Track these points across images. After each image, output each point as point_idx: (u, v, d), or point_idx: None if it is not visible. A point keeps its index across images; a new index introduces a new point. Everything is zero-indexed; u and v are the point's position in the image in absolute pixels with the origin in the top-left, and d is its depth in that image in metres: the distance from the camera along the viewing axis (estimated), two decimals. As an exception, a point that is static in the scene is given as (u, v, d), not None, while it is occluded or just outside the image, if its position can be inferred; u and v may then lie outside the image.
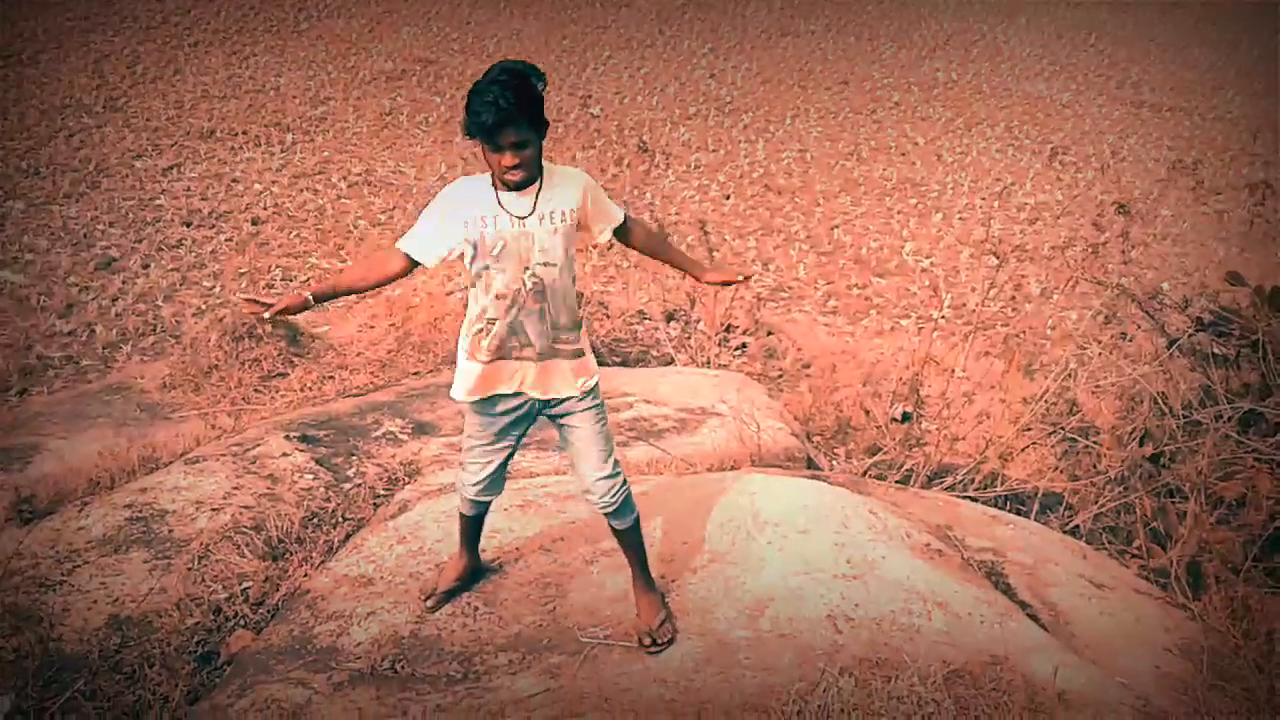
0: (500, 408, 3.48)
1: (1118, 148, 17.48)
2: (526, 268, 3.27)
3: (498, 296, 3.30)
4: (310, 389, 6.75)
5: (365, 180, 13.78)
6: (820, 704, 3.24)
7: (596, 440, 3.47)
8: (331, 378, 6.93)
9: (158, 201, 12.52)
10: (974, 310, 9.56)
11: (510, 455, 3.64)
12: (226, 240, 11.51)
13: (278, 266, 10.89)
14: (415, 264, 3.34)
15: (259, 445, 5.35)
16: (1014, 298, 10.55)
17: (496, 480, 3.66)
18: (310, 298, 3.33)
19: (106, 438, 5.79)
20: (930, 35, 25.48)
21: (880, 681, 3.33)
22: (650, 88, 19.31)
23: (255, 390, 6.70)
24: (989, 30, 26.52)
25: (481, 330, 3.35)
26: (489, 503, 3.77)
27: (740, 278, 3.67)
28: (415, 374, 7.05)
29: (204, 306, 9.69)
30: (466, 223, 3.24)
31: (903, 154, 16.64)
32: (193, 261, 10.87)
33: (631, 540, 3.65)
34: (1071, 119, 19.25)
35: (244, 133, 15.19)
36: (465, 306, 3.44)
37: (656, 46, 22.47)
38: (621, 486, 3.51)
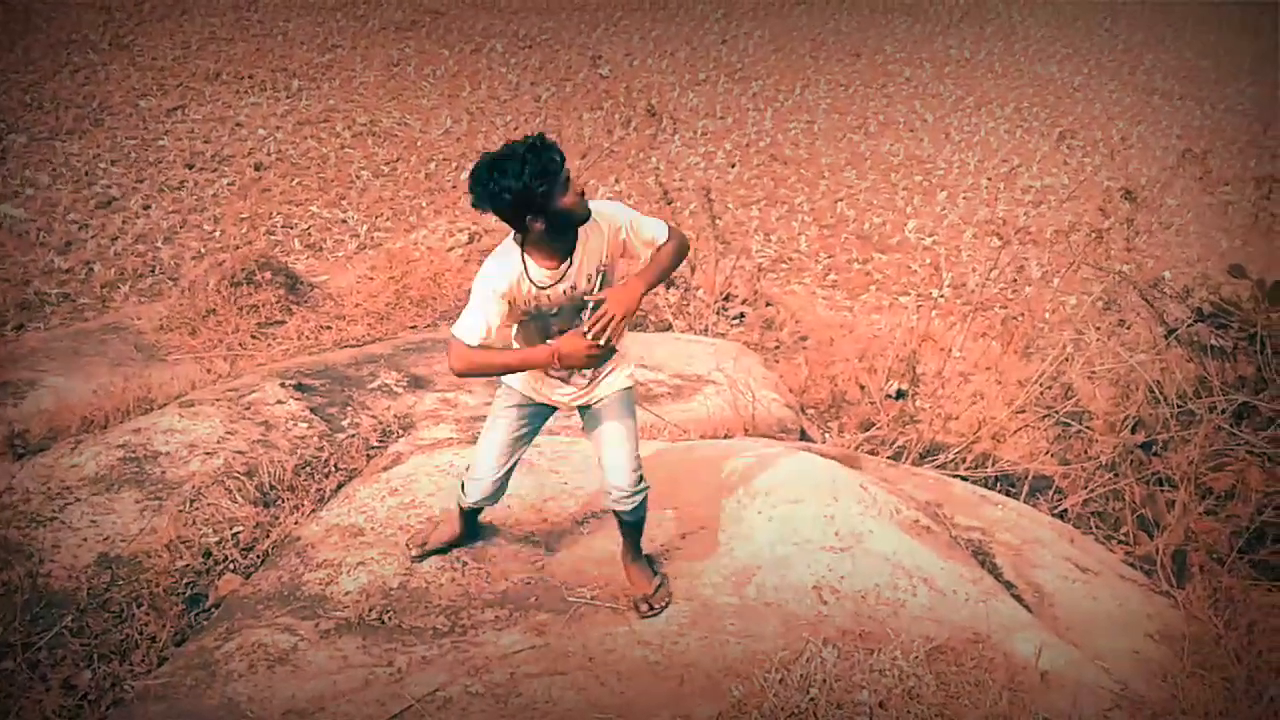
0: (535, 411, 3.57)
1: (1127, 134, 17.40)
2: (578, 311, 3.30)
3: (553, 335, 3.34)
4: (307, 338, 6.75)
5: (370, 130, 13.69)
6: (803, 673, 3.27)
7: (628, 432, 3.49)
8: (329, 328, 6.92)
9: (160, 142, 12.44)
10: (974, 291, 9.54)
11: (518, 459, 3.70)
12: (228, 184, 11.45)
13: (279, 213, 10.84)
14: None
15: (254, 391, 5.35)
16: (1015, 280, 10.54)
17: (503, 486, 3.71)
18: None
19: (102, 376, 5.79)
20: (944, 11, 25.28)
21: (863, 654, 3.36)
22: (660, 51, 19.16)
23: (252, 336, 6.69)
24: (1004, 9, 26.32)
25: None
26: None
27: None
28: (412, 328, 7.04)
29: (203, 250, 9.66)
30: (511, 302, 3.23)
31: (911, 130, 16.56)
32: (193, 204, 10.82)
33: (634, 529, 3.68)
34: (1082, 103, 19.14)
35: (250, 76, 15.07)
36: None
37: (669, 9, 22.28)
38: (641, 484, 3.52)
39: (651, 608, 3.64)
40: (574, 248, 3.19)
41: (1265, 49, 23.73)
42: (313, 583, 3.84)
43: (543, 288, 3.21)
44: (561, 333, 3.28)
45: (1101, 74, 21.40)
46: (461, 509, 3.88)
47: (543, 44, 18.65)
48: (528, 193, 2.98)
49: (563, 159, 3.03)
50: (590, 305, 3.24)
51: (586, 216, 3.15)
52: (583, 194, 3.12)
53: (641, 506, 3.56)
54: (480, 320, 3.20)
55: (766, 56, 19.78)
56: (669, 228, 3.32)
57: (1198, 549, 4.65)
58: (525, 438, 3.63)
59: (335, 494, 4.53)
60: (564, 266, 3.20)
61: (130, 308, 7.83)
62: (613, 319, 3.15)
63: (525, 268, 3.19)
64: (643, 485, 3.52)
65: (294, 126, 13.51)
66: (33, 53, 14.76)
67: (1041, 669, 3.41)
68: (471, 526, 3.99)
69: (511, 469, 3.68)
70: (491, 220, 8.14)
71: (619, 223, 3.25)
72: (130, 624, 3.71)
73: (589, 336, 3.17)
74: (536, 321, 3.31)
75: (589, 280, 3.26)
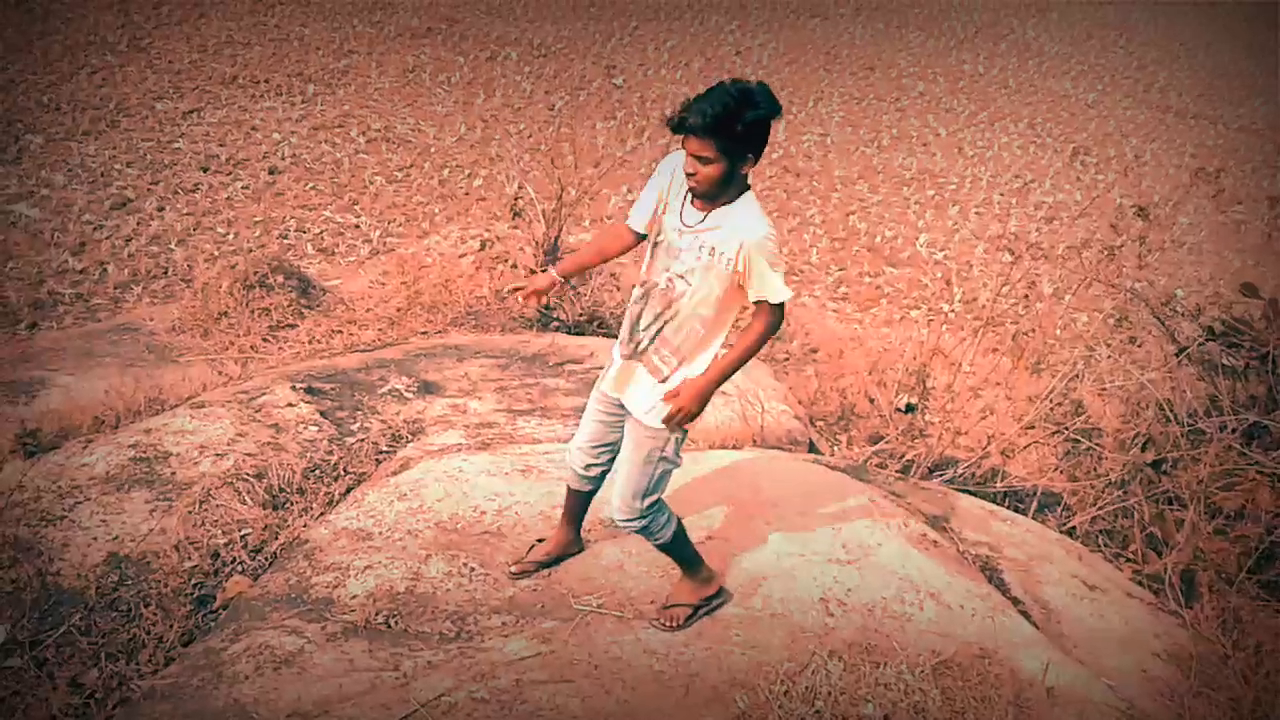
0: (608, 402, 3.48)
1: (1140, 151, 17.39)
2: (668, 269, 3.25)
3: (641, 282, 3.32)
4: (318, 341, 6.77)
5: (384, 136, 13.74)
6: (808, 685, 3.27)
7: (633, 467, 3.36)
8: (340, 331, 6.94)
9: (176, 145, 12.50)
10: (985, 306, 9.53)
11: (611, 451, 3.58)
12: (243, 188, 11.49)
13: (292, 217, 10.88)
14: (640, 234, 3.37)
15: (265, 394, 5.37)
16: (1026, 296, 10.52)
17: (595, 472, 3.63)
18: (559, 278, 3.39)
19: (113, 377, 5.81)
20: (960, 26, 25.31)
21: (869, 667, 3.36)
22: (675, 61, 19.20)
23: (264, 339, 6.71)
24: (1019, 25, 26.34)
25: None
26: (595, 487, 3.73)
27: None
28: (423, 333, 7.05)
29: (217, 253, 9.69)
30: (660, 192, 3.26)
31: (924, 144, 16.56)
32: (208, 207, 10.86)
33: (662, 549, 3.61)
34: (1095, 119, 19.12)
35: (266, 81, 15.14)
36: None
37: (684, 20, 22.34)
38: (635, 520, 3.41)
39: (657, 618, 3.63)
40: (710, 219, 3.16)
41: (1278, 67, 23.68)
42: (320, 586, 3.85)
43: (682, 228, 3.20)
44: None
45: (1115, 91, 21.40)
46: (569, 497, 3.80)
47: (557, 53, 18.70)
48: (764, 131, 3.00)
49: (692, 124, 2.98)
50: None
51: (694, 194, 3.14)
52: (693, 174, 3.07)
53: (646, 535, 3.47)
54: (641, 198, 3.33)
55: (780, 69, 19.81)
56: (779, 303, 3.23)
57: (1206, 568, 4.63)
58: (610, 425, 3.50)
59: (344, 498, 4.54)
60: (696, 226, 3.17)
61: (143, 309, 7.86)
62: (681, 411, 3.20)
63: (687, 197, 3.17)
64: (634, 521, 3.41)
65: (309, 131, 13.56)
66: (50, 54, 14.85)
67: (1048, 685, 3.40)
68: (575, 530, 3.91)
69: (606, 457, 3.56)
70: (502, 228, 8.15)
71: (748, 244, 3.12)
72: (138, 624, 3.72)
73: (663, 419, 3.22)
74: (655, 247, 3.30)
75: (703, 249, 3.17)
